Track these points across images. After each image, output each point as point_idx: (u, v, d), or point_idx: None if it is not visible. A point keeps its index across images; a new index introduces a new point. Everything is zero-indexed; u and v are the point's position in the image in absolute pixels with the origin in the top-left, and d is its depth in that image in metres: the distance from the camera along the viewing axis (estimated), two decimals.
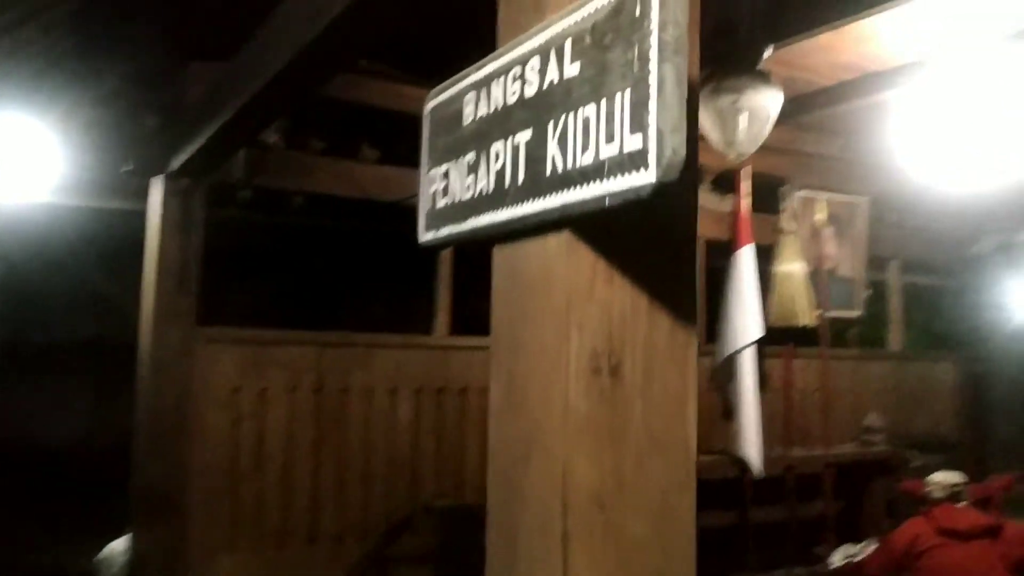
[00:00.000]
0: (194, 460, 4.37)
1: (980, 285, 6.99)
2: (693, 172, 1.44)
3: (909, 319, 7.26)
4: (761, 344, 5.38)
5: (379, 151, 5.30)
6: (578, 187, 1.31)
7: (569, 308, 1.37)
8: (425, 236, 1.77)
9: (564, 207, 1.35)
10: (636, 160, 1.19)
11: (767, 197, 5.80)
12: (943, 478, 5.03)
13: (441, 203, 1.72)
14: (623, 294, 1.40)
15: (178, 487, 4.29)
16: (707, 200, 5.91)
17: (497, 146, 1.54)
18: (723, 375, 5.39)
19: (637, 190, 1.19)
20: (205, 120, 3.60)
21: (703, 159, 5.85)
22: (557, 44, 1.38)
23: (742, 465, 5.22)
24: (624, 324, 1.39)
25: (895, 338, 7.01)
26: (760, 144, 3.42)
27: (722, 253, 5.51)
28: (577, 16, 1.34)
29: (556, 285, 1.40)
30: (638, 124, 1.19)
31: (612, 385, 1.36)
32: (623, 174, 1.22)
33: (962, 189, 5.39)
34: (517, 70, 1.49)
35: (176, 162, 4.18)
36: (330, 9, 2.53)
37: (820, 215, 5.90)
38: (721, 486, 5.52)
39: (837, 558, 5.39)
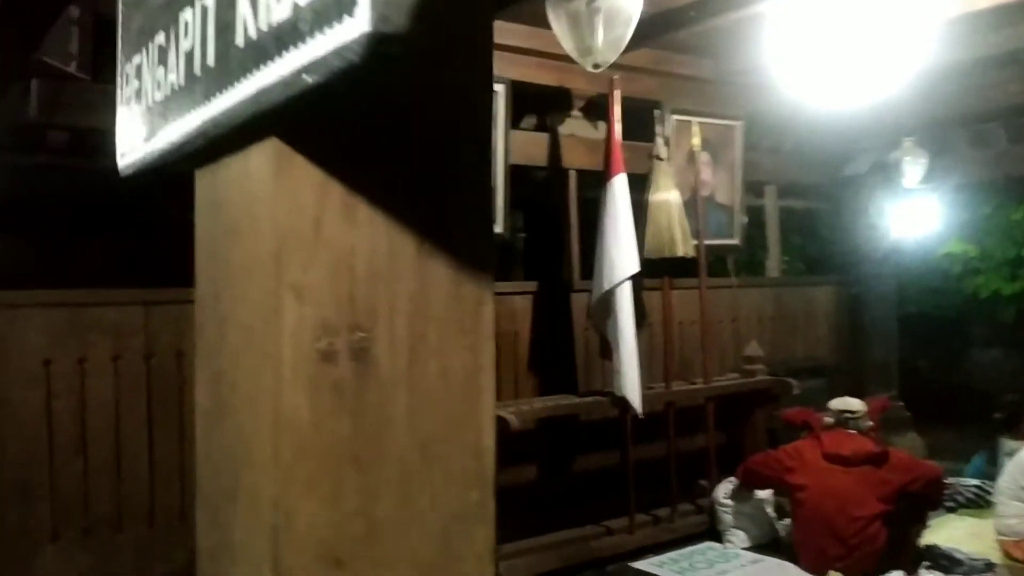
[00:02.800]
0: (1, 446, 3.71)
1: (855, 206, 6.76)
2: (486, 38, 0.92)
3: (786, 244, 7.01)
4: (638, 278, 5.00)
5: None
6: (274, 61, 0.78)
7: (280, 260, 0.84)
8: (122, 162, 1.21)
9: (260, 96, 0.81)
10: (341, 4, 0.67)
11: (641, 124, 5.37)
12: (836, 404, 4.83)
13: (137, 111, 1.15)
14: (374, 235, 0.88)
15: None
16: (578, 128, 5.43)
17: (186, 16, 0.98)
18: (600, 313, 4.99)
19: (342, 51, 0.67)
20: None
21: (572, 83, 5.36)
22: None
23: (622, 405, 4.87)
24: (376, 281, 0.88)
25: (773, 264, 6.75)
26: (620, 50, 2.92)
27: (596, 184, 5.08)
28: None
29: (263, 225, 0.87)
30: None
31: (356, 377, 0.86)
32: (325, 29, 0.69)
33: (837, 107, 5.06)
34: None
35: None
36: None
37: (695, 140, 5.50)
38: (601, 427, 5.18)
39: (722, 492, 5.15)
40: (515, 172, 5.20)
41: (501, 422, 4.38)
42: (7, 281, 3.83)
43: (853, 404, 4.87)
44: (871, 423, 4.93)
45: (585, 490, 5.17)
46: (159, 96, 1.06)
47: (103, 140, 4.57)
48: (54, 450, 3.83)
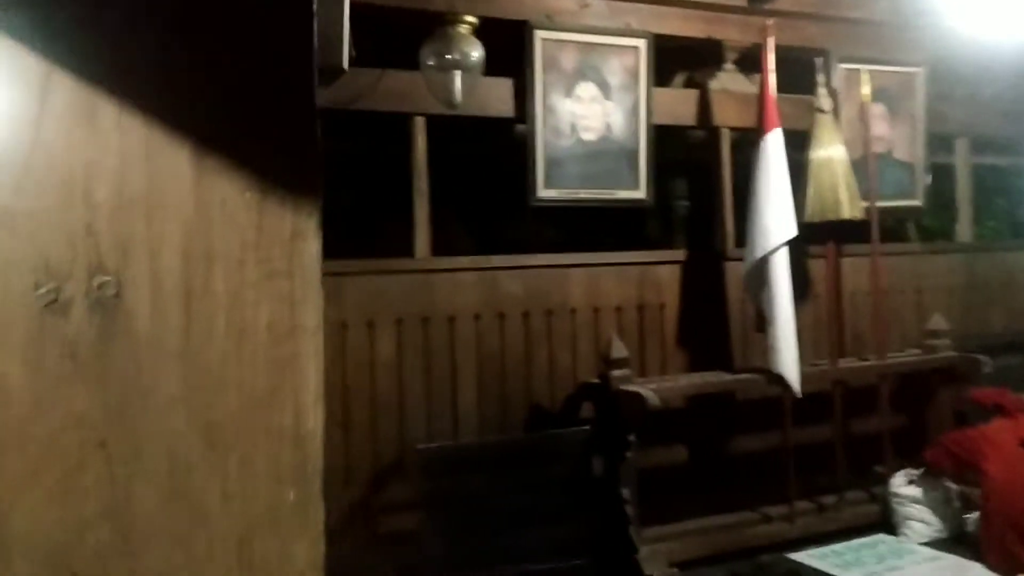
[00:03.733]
0: None
1: None
2: None
3: (989, 207, 6.15)
4: (800, 244, 4.54)
5: None
6: None
7: None
8: None
9: None
10: None
11: (807, 77, 4.85)
12: None
13: None
14: (125, 144, 0.65)
15: None
16: (731, 82, 4.97)
17: None
18: (753, 283, 4.55)
19: None
20: None
21: (723, 34, 4.91)
22: None
23: (780, 383, 4.42)
24: (130, 207, 0.65)
25: (964, 228, 5.95)
26: None
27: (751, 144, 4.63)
28: None
29: None
30: None
31: (100, 335, 0.63)
32: None
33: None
34: None
35: None
36: None
37: (865, 90, 4.88)
38: (761, 406, 4.74)
39: (899, 479, 4.58)
40: (666, 134, 4.84)
41: (638, 399, 4.07)
42: None
43: None
44: None
45: (741, 474, 4.76)
46: None
47: None
48: None
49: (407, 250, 4.33)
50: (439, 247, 4.39)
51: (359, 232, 5.04)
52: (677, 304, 4.83)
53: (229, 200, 0.68)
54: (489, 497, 4.10)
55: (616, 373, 4.24)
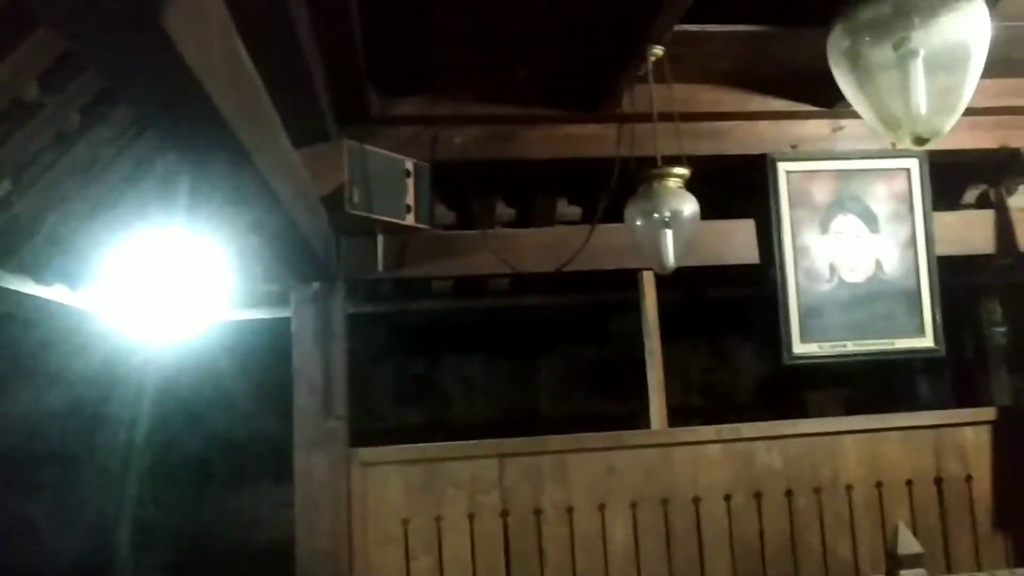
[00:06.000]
0: None
1: None
2: None
3: None
4: None
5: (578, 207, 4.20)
6: None
7: None
8: None
9: None
10: None
11: None
12: None
13: None
14: None
15: None
16: None
17: None
18: None
19: None
20: None
21: (1022, 139, 3.92)
22: None
23: None
24: None
25: None
26: (960, 110, 1.71)
27: None
28: None
29: None
30: None
31: None
32: None
33: None
34: None
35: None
36: None
37: None
38: None
39: None
40: (961, 263, 3.92)
41: None
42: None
43: None
44: None
45: None
46: None
47: (478, 284, 4.35)
48: None
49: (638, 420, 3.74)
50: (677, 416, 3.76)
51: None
52: (989, 475, 3.75)
53: None
54: None
55: (906, 574, 3.27)
